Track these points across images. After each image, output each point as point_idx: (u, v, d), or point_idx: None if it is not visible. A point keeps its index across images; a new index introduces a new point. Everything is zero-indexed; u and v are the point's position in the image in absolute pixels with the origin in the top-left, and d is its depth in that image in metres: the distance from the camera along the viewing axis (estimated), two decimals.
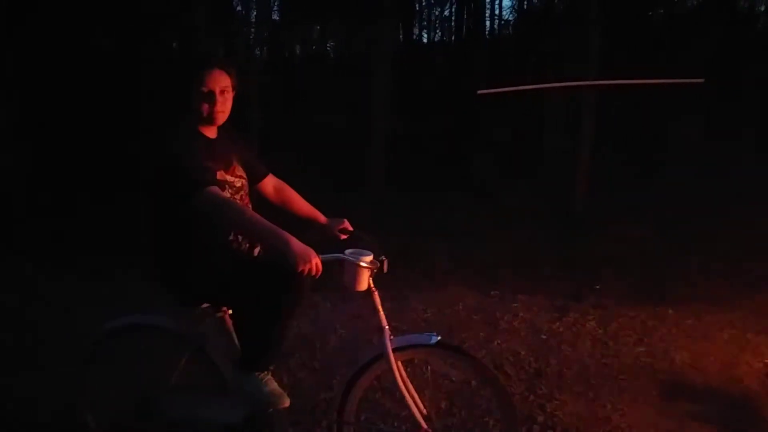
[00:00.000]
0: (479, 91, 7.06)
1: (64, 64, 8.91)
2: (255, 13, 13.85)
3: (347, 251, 2.20)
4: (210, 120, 2.23)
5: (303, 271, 1.95)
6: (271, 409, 2.29)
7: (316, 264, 1.97)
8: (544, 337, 3.99)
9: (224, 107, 2.24)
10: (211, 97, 2.19)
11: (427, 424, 2.32)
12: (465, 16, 16.60)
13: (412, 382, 2.37)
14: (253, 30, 13.91)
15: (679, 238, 6.31)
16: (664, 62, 9.65)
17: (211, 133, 2.28)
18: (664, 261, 5.69)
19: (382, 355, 2.26)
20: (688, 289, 4.92)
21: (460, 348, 2.53)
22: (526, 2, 16.15)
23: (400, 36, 16.55)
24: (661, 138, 10.13)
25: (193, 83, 2.19)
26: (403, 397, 2.30)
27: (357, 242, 2.36)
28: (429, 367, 3.27)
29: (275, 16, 16.07)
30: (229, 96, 2.25)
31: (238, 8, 13.94)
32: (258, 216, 2.06)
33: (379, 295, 2.25)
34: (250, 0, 13.53)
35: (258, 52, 14.63)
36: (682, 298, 4.71)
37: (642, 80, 7.61)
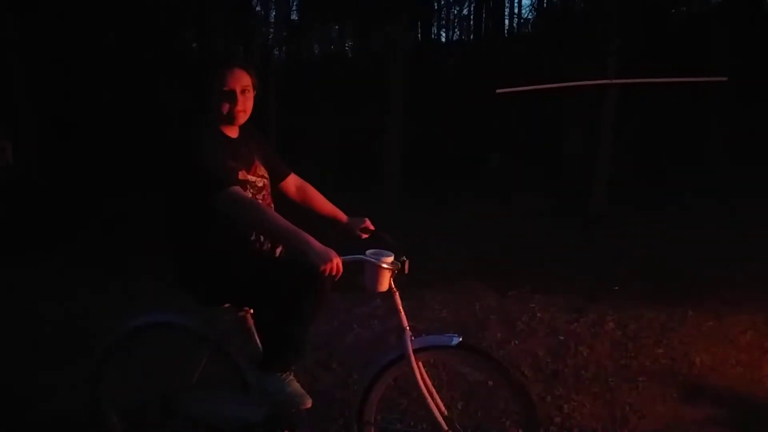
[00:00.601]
0: (498, 90, 7.01)
1: (77, 64, 8.97)
2: (274, 13, 13.93)
3: (368, 252, 2.19)
4: (231, 119, 2.24)
5: (324, 271, 1.96)
6: (293, 410, 2.31)
7: (337, 264, 1.97)
8: (561, 337, 3.97)
9: (245, 106, 2.25)
10: (232, 97, 2.20)
11: (447, 425, 2.32)
12: (483, 15, 16.53)
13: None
14: (271, 30, 13.97)
15: (698, 240, 6.25)
16: (685, 61, 9.54)
17: (232, 132, 2.30)
18: (683, 262, 5.63)
19: (403, 356, 2.26)
20: (708, 291, 4.86)
21: (483, 349, 2.51)
22: (545, 1, 16.01)
23: (418, 35, 16.51)
24: (681, 139, 10.03)
25: (213, 83, 2.20)
26: (423, 397, 2.30)
27: (378, 242, 2.35)
28: (446, 367, 3.27)
29: (294, 16, 16.12)
30: (250, 95, 2.26)
31: (257, 8, 14.01)
32: (279, 217, 2.06)
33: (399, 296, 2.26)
34: (269, 0, 13.59)
35: (276, 52, 14.68)
36: (702, 299, 4.65)
37: (663, 78, 7.55)
